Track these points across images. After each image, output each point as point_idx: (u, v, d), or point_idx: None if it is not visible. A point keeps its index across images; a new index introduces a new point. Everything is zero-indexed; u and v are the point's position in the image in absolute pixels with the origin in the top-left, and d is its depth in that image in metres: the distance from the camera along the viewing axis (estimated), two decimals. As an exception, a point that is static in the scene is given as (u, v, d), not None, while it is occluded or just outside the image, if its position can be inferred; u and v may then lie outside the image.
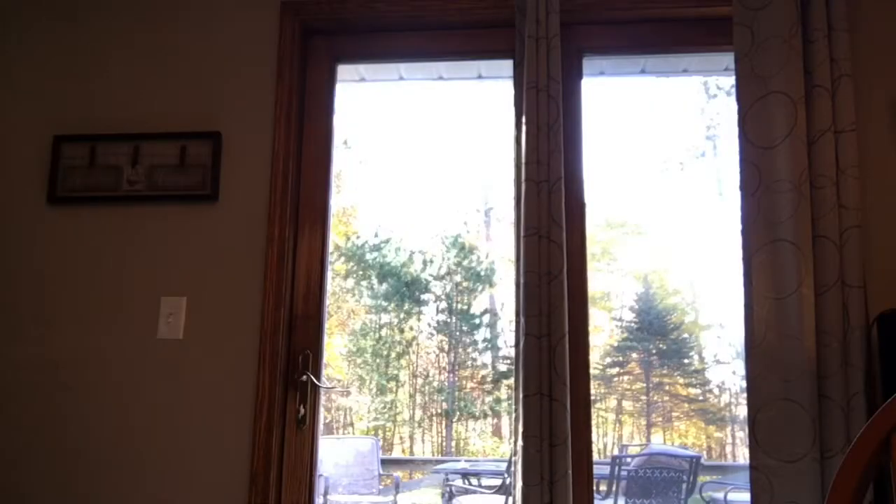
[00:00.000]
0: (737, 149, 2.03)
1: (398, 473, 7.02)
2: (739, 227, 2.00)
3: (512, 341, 2.10)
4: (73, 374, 2.16)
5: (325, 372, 2.22)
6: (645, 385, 10.88)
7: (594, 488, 2.13)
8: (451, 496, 6.29)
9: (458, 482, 6.71)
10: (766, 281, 1.94)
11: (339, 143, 2.38)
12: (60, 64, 2.38)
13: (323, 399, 2.22)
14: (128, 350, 2.16)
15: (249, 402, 2.10)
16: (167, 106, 2.31)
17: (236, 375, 2.12)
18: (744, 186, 2.01)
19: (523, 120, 2.10)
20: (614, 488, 5.82)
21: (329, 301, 2.26)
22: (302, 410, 2.13)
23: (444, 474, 6.84)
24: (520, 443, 1.96)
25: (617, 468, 5.90)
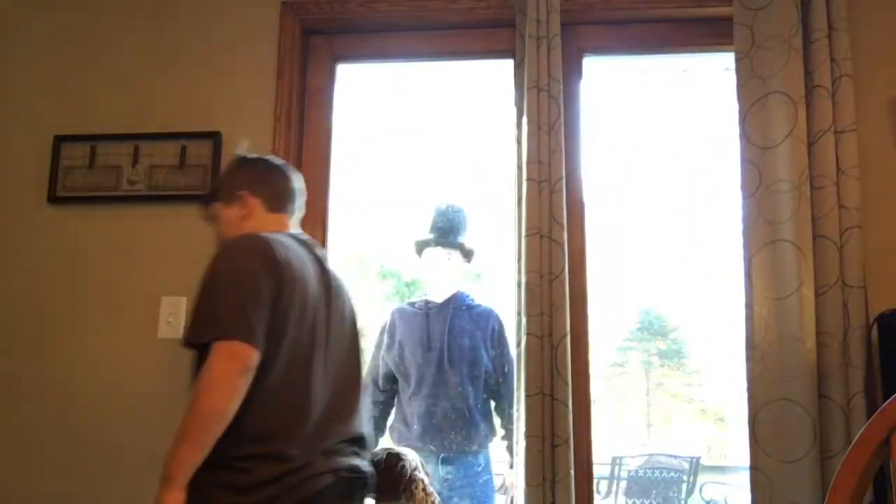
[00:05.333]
0: (737, 149, 2.03)
1: (398, 473, 6.99)
2: (739, 227, 2.00)
3: (513, 342, 2.10)
4: (74, 374, 2.16)
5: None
6: (645, 385, 10.87)
7: (594, 488, 2.13)
8: (452, 496, 6.28)
9: (458, 482, 6.68)
10: (766, 281, 1.94)
11: (338, 143, 2.37)
12: (60, 64, 2.38)
13: (323, 399, 2.21)
14: (128, 350, 2.16)
15: (250, 402, 2.09)
16: (167, 106, 2.30)
17: (236, 375, 2.11)
18: (744, 186, 2.01)
19: (524, 120, 2.10)
20: (614, 488, 5.82)
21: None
22: (302, 410, 2.13)
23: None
24: (521, 443, 1.95)
25: (617, 468, 5.90)
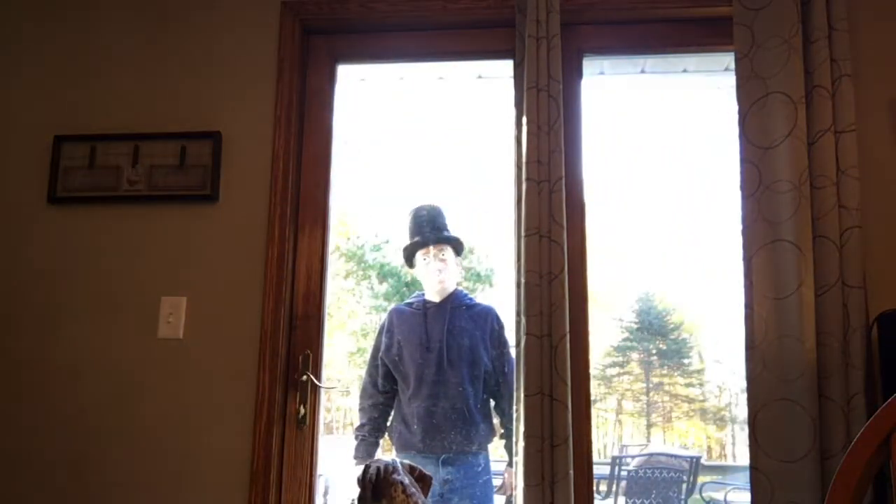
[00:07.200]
0: (737, 149, 2.03)
1: (398, 473, 6.97)
2: (739, 227, 2.00)
3: (512, 341, 2.11)
4: (73, 374, 2.16)
5: (325, 372, 2.22)
6: (645, 385, 10.88)
7: (594, 488, 2.13)
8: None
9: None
10: (766, 281, 1.94)
11: (339, 143, 2.37)
12: (61, 64, 2.38)
13: (323, 399, 2.22)
14: (128, 350, 2.16)
15: (249, 402, 2.10)
16: (167, 106, 2.30)
17: (236, 375, 2.12)
18: (744, 186, 2.01)
19: (524, 120, 2.10)
20: (614, 488, 5.83)
21: (329, 301, 2.26)
22: (302, 410, 2.13)
23: (444, 474, 6.82)
24: (521, 443, 1.96)
25: (617, 468, 5.91)
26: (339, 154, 2.38)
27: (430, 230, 2.77)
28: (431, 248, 2.76)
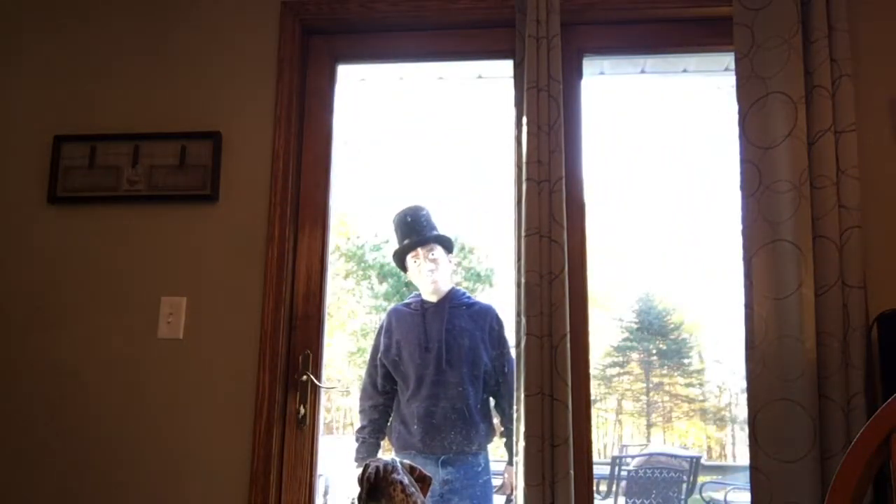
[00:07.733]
0: (737, 149, 2.03)
1: (398, 473, 6.96)
2: (739, 227, 2.00)
3: (512, 341, 2.10)
4: (73, 374, 2.16)
5: (325, 372, 2.22)
6: (645, 385, 10.88)
7: (594, 488, 2.13)
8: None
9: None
10: (766, 281, 1.94)
11: (339, 143, 2.38)
12: (61, 64, 2.38)
13: (323, 399, 2.22)
14: (128, 350, 2.16)
15: (249, 402, 2.10)
16: (167, 106, 2.30)
17: (236, 375, 2.12)
18: (744, 186, 2.01)
19: (524, 120, 2.10)
20: (614, 488, 5.83)
21: (329, 301, 2.26)
22: (302, 410, 2.13)
23: (444, 474, 6.82)
24: (521, 443, 1.96)
25: (617, 468, 5.91)
26: (339, 154, 2.38)
27: (415, 232, 2.76)
28: (420, 249, 2.75)
